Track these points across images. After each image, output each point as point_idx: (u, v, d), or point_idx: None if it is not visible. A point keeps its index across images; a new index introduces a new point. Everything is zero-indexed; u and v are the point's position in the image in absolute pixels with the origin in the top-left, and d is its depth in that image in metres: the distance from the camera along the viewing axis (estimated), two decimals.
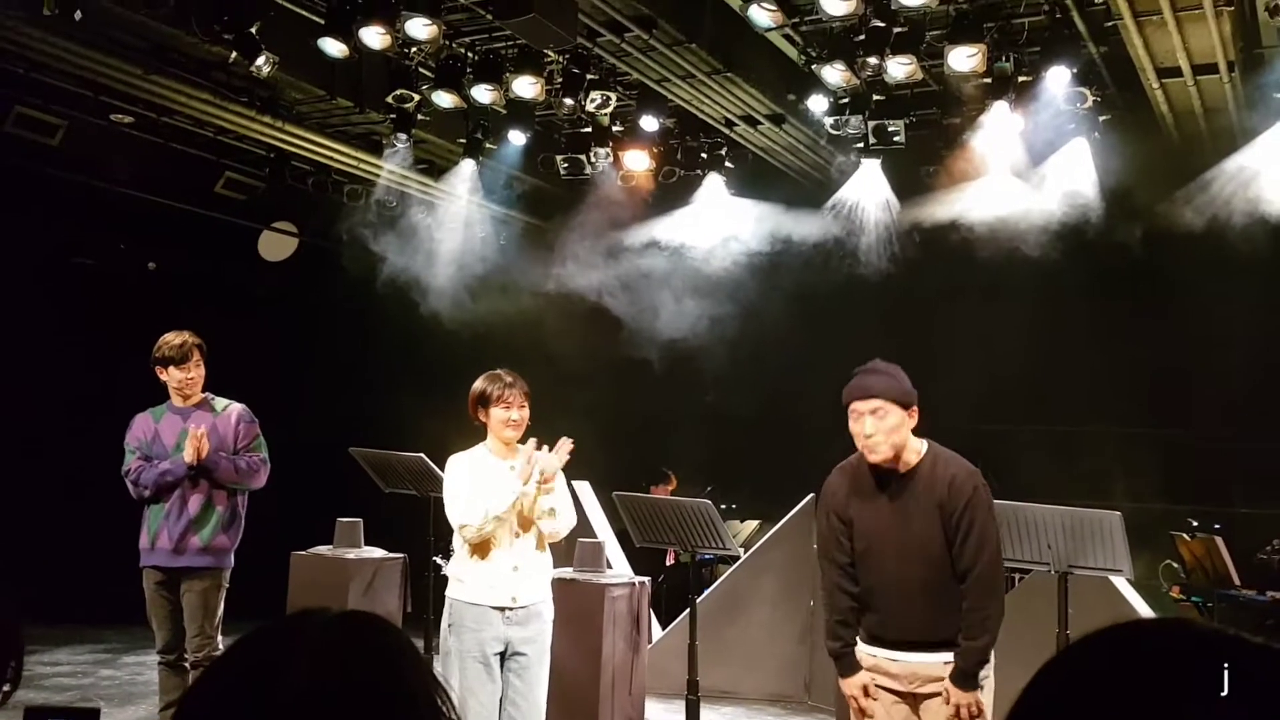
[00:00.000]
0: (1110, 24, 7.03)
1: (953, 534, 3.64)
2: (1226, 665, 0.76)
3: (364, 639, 1.03)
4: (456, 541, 4.68)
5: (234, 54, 7.08)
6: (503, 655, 4.55)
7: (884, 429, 3.70)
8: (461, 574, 4.61)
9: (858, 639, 3.81)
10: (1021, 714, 0.84)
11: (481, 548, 4.57)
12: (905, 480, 3.73)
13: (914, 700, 3.69)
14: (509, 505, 4.50)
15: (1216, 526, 8.00)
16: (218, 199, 10.11)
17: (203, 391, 5.54)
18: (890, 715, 3.72)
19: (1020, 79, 7.56)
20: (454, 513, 4.56)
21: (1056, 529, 4.98)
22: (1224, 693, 0.75)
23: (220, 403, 5.55)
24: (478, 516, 4.47)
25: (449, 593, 4.64)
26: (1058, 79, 7.40)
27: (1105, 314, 9.22)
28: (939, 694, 3.63)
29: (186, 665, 5.35)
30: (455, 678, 4.46)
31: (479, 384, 4.71)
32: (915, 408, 3.78)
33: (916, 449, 3.79)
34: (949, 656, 3.62)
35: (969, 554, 3.61)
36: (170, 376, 5.43)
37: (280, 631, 1.04)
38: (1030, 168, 8.73)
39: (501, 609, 4.52)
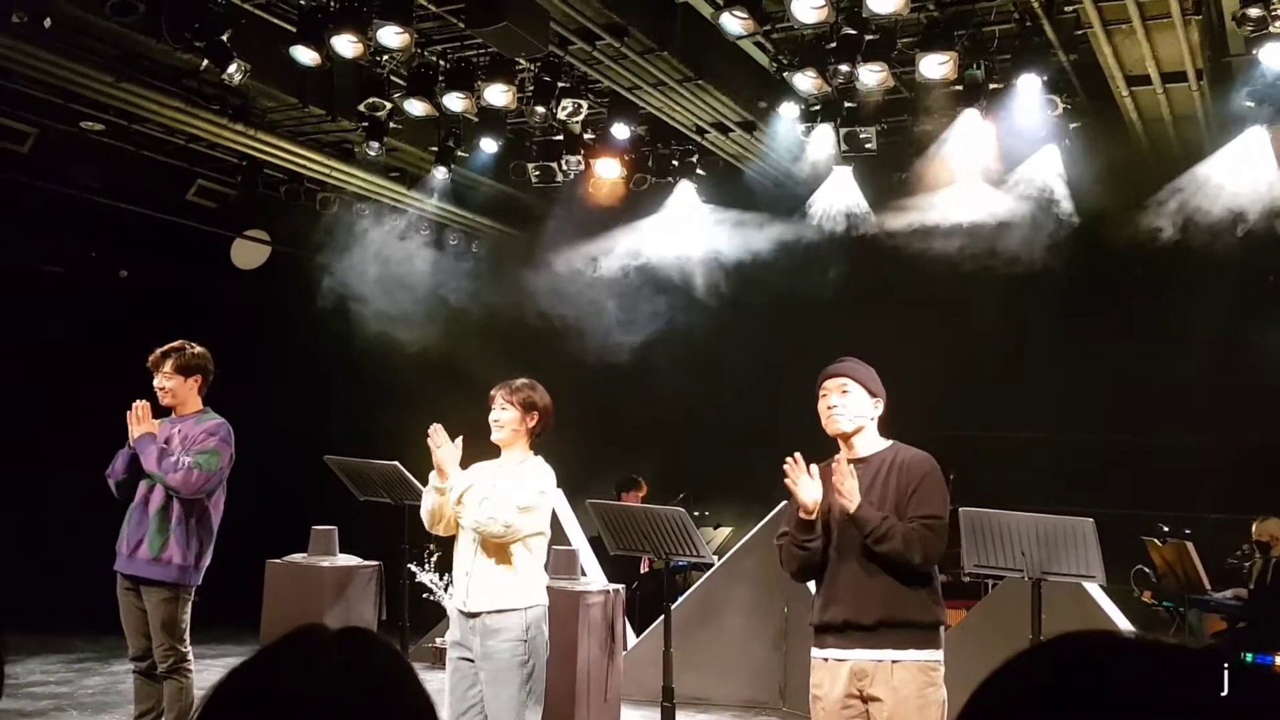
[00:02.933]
0: (1080, 32, 7.10)
1: (904, 503, 3.74)
2: (1142, 671, 0.79)
3: (373, 654, 1.05)
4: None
5: (205, 61, 7.04)
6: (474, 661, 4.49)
7: (846, 403, 3.89)
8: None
9: (812, 646, 3.88)
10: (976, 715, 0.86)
11: (456, 550, 4.58)
12: (865, 466, 3.84)
13: (863, 702, 3.72)
14: (426, 500, 4.52)
15: (1187, 532, 8.08)
16: (189, 207, 10.05)
17: (204, 405, 5.47)
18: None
19: (991, 86, 7.62)
20: None
21: (1030, 536, 5.01)
22: (1143, 700, 0.77)
23: (209, 416, 5.45)
24: (424, 517, 4.62)
25: None
26: (1028, 86, 7.45)
27: (1074, 320, 9.30)
28: (881, 699, 3.66)
29: (159, 675, 5.30)
30: None
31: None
32: (881, 400, 3.95)
33: (880, 442, 3.94)
34: (897, 655, 3.66)
35: (910, 510, 3.73)
36: (155, 385, 5.41)
37: (296, 642, 1.05)
38: (1001, 174, 8.79)
39: (461, 613, 4.49)
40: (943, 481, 3.85)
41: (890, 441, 3.95)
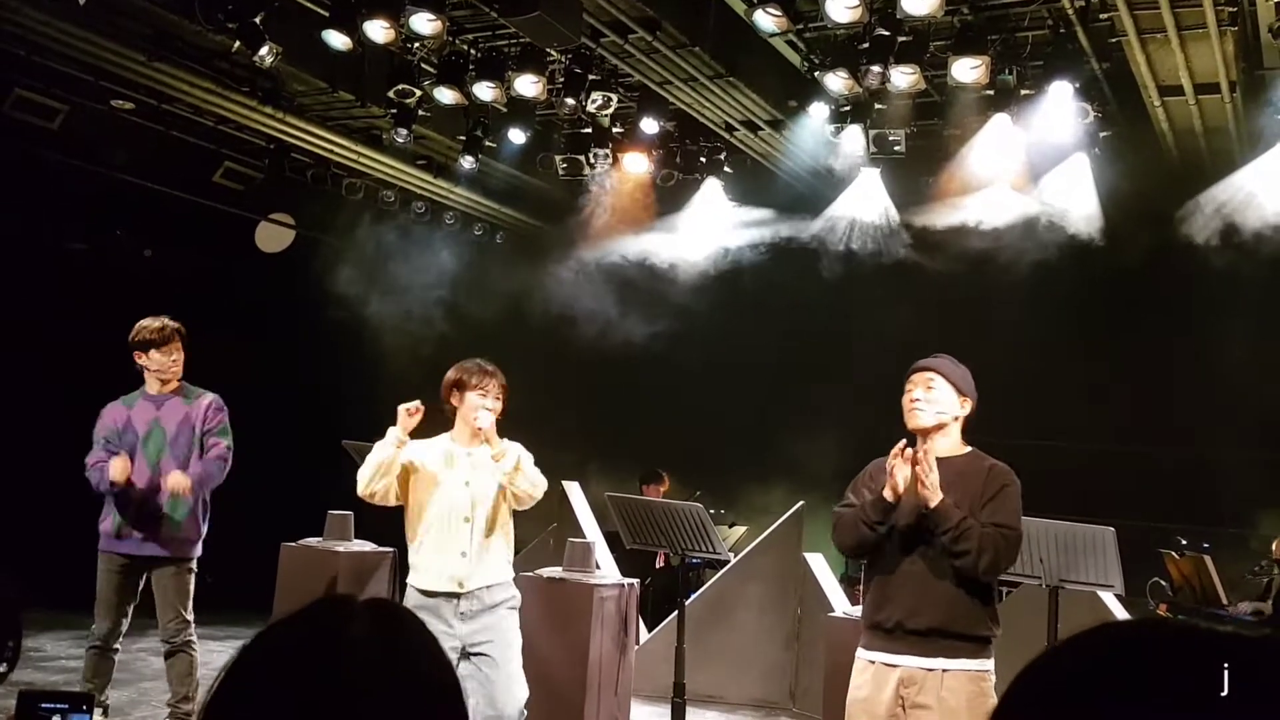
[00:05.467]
0: (1114, 40, 7.05)
1: (978, 508, 3.60)
2: (1210, 660, 0.77)
3: (400, 620, 1.06)
4: (413, 530, 4.64)
5: (237, 43, 7.06)
6: (462, 653, 4.48)
7: (931, 398, 3.74)
8: (416, 561, 4.60)
9: (859, 646, 3.75)
10: (1007, 711, 0.84)
11: (434, 534, 4.56)
12: (944, 466, 3.66)
13: (905, 710, 3.63)
14: (386, 449, 4.53)
15: (1205, 545, 8.01)
16: (215, 188, 10.08)
17: (180, 380, 5.48)
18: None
19: (1022, 92, 7.56)
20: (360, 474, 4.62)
21: (1049, 542, 4.99)
22: (1214, 687, 0.75)
23: (194, 390, 5.48)
24: (368, 469, 4.55)
25: (408, 580, 4.65)
26: (1060, 94, 7.40)
27: (1099, 330, 9.24)
28: (929, 706, 3.56)
29: (115, 652, 5.34)
30: None
31: (456, 369, 4.69)
32: (970, 401, 3.80)
33: (961, 444, 3.80)
34: (948, 664, 3.55)
35: (984, 516, 3.58)
36: (151, 360, 5.35)
37: (325, 608, 1.05)
38: (1029, 181, 8.74)
39: (451, 596, 4.48)
40: (1020, 496, 3.69)
41: (971, 448, 3.81)
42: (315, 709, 0.96)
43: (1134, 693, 0.76)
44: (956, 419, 3.78)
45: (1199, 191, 8.64)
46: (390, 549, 7.38)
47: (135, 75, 7.84)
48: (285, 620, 1.04)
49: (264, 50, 7.05)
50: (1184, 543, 8.06)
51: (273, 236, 11.10)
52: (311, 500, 7.75)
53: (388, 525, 7.58)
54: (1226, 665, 0.76)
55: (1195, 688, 0.75)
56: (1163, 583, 8.07)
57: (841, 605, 6.78)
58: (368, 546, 7.32)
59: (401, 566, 7.35)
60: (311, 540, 7.26)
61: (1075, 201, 8.74)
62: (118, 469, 5.12)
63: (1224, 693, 0.75)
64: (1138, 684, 0.77)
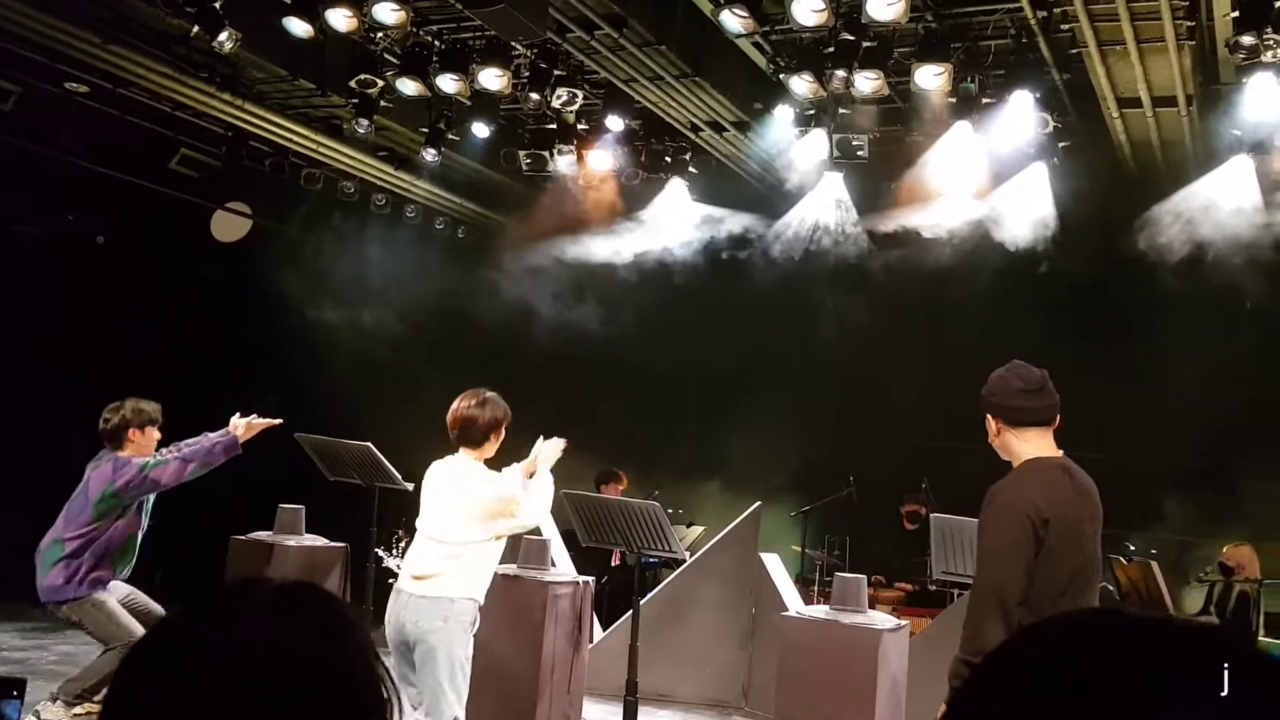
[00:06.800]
0: (1075, 51, 7.14)
1: None
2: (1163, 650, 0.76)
3: (310, 607, 1.02)
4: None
5: (196, 28, 6.95)
6: (410, 645, 4.49)
7: (991, 436, 3.62)
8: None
9: None
10: (965, 700, 0.83)
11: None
12: None
13: None
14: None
15: (1153, 552, 8.13)
16: (171, 175, 9.93)
17: None
18: None
19: (984, 100, 7.64)
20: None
21: None
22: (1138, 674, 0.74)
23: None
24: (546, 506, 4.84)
25: (474, 597, 4.69)
26: (1020, 103, 7.48)
27: (1053, 338, 9.32)
28: None
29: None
30: None
31: (506, 407, 4.73)
32: (995, 418, 3.60)
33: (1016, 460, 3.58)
34: None
35: None
36: (149, 437, 5.57)
37: (228, 597, 1.02)
38: (989, 189, 8.82)
39: (401, 591, 4.55)
40: (990, 513, 3.40)
41: (1021, 465, 3.54)
42: (204, 699, 0.93)
43: (1087, 684, 0.76)
44: (1001, 444, 3.62)
45: (1155, 203, 8.76)
46: (342, 544, 7.31)
47: (90, 58, 7.70)
48: (185, 609, 1.01)
49: (223, 35, 6.94)
50: (1131, 549, 8.17)
51: (229, 225, 10.95)
52: (262, 493, 7.66)
53: (338, 520, 7.54)
54: (1181, 655, 0.76)
55: (1147, 678, 0.74)
56: (1110, 587, 8.17)
57: (796, 605, 6.80)
58: (319, 541, 7.24)
59: (357, 564, 7.30)
60: (262, 534, 7.17)
61: (1033, 210, 8.83)
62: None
63: (1181, 682, 0.74)
64: (1090, 675, 0.76)
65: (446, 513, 4.54)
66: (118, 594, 5.50)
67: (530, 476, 4.68)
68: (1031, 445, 3.54)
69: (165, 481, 5.36)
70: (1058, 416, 3.63)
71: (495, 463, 4.78)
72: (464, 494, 4.51)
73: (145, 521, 5.63)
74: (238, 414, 5.57)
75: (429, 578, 4.46)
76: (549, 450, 4.77)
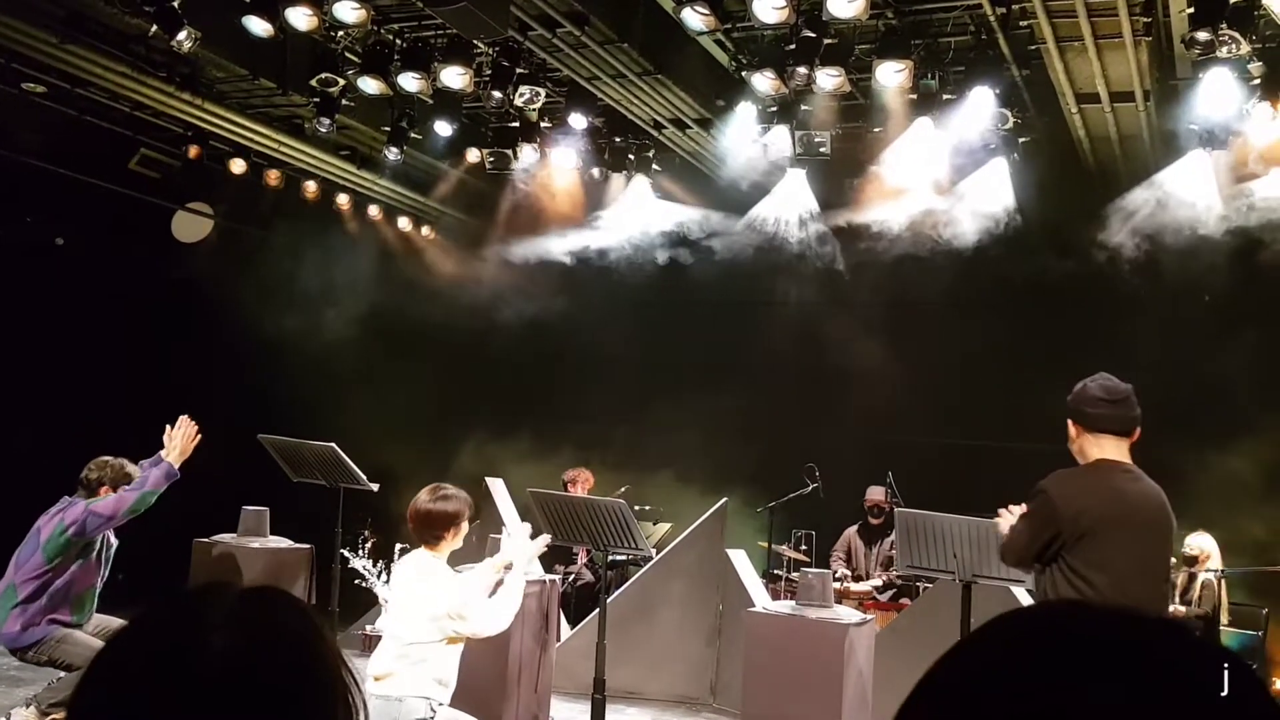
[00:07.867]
0: (1034, 47, 7.20)
1: None
2: (1124, 643, 0.76)
3: (274, 613, 1.00)
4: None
5: (154, 27, 6.88)
6: None
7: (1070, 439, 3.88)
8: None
9: None
10: (924, 694, 0.84)
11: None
12: None
13: None
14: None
15: None
16: (131, 176, 9.83)
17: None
18: None
19: (944, 96, 7.69)
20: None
21: (963, 538, 5.07)
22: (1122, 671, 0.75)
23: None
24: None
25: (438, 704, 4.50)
26: (980, 99, 7.54)
27: (1014, 331, 9.42)
28: None
29: None
30: None
31: (466, 500, 4.47)
32: (1075, 423, 3.86)
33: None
34: None
35: None
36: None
37: (189, 604, 1.00)
38: (950, 184, 8.89)
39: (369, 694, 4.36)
40: (1033, 504, 3.78)
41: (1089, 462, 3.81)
42: (167, 709, 0.92)
43: (1049, 677, 0.76)
44: (1078, 448, 3.88)
45: (1114, 197, 8.86)
46: (307, 546, 7.26)
47: (47, 57, 7.61)
48: (147, 614, 1.00)
49: (182, 35, 6.88)
50: None
51: (190, 226, 10.85)
52: (226, 495, 7.60)
53: (302, 522, 7.50)
54: (1141, 645, 0.77)
55: (1112, 670, 0.75)
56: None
57: (762, 600, 6.82)
58: (284, 543, 7.19)
59: (322, 566, 7.25)
60: (226, 536, 7.11)
61: (993, 205, 8.91)
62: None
63: (1142, 672, 0.75)
64: (1053, 667, 0.76)
65: (402, 610, 4.37)
66: (86, 627, 5.47)
67: (507, 568, 4.52)
68: (1103, 452, 3.79)
69: (105, 513, 5.27)
70: (1138, 430, 3.82)
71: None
72: (416, 595, 4.34)
73: (105, 571, 5.58)
74: (168, 426, 5.51)
75: (383, 677, 4.29)
76: (526, 548, 4.64)
